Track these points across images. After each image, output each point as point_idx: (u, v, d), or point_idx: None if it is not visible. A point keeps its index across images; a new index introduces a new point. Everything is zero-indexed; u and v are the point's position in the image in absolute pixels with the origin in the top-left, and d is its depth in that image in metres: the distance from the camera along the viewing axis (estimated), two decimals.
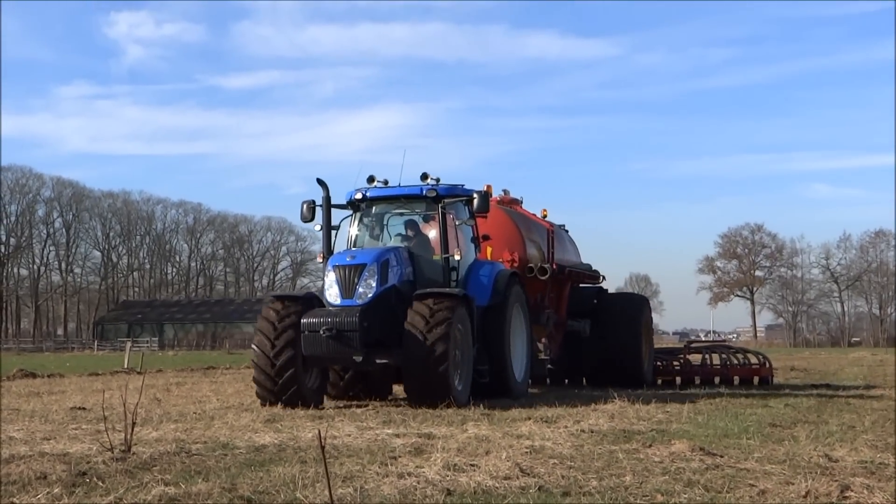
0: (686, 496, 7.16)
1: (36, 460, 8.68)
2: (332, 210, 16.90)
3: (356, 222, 17.28)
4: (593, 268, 24.43)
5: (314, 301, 15.84)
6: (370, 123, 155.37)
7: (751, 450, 9.62)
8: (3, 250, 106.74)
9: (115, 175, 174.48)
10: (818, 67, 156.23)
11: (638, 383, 21.68)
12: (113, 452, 9.01)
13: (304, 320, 15.08)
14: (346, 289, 15.45)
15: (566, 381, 22.99)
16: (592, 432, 11.11)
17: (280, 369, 14.99)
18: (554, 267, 20.80)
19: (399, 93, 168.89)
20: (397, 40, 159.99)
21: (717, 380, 23.21)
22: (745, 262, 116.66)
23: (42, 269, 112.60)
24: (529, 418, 12.64)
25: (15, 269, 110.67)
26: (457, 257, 16.55)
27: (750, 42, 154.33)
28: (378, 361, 15.37)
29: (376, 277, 15.45)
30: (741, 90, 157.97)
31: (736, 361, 23.93)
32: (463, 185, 17.19)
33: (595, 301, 23.40)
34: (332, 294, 15.61)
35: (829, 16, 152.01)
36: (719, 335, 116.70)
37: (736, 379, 23.16)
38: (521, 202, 22.27)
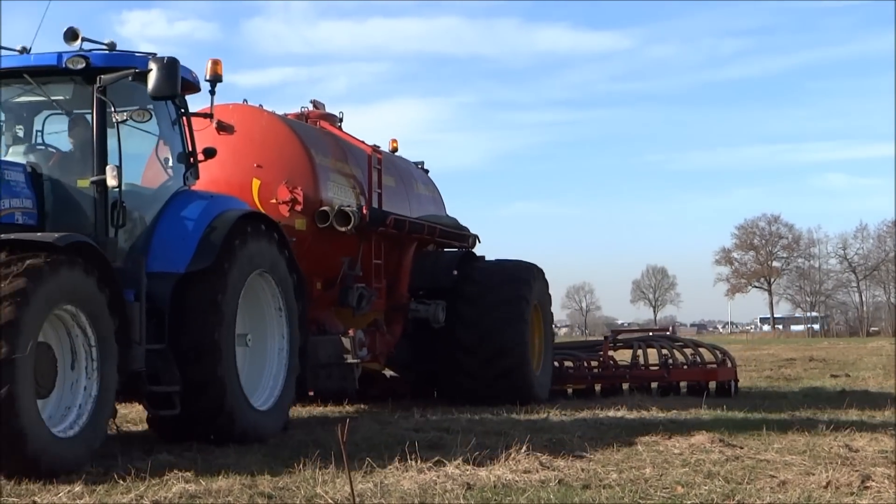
0: (706, 488, 7.15)
1: None
2: None
3: None
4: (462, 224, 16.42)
5: None
6: (384, 119, 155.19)
7: (771, 440, 9.62)
8: None
9: None
10: (831, 56, 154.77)
11: (527, 396, 14.16)
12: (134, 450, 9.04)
13: None
14: None
15: (436, 394, 15.33)
16: (612, 425, 11.09)
17: None
18: (365, 212, 13.12)
19: (412, 88, 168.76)
20: (409, 36, 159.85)
21: (654, 386, 15.93)
22: (762, 253, 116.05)
23: None
24: (548, 411, 12.63)
25: None
26: (112, 182, 9.15)
27: (763, 32, 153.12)
28: None
29: None
30: (755, 81, 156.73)
31: (682, 359, 16.64)
32: (154, 54, 9.51)
33: (456, 272, 15.00)
34: None
35: (841, 5, 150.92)
36: (738, 326, 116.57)
37: (683, 385, 16.15)
38: (340, 121, 14.68)
